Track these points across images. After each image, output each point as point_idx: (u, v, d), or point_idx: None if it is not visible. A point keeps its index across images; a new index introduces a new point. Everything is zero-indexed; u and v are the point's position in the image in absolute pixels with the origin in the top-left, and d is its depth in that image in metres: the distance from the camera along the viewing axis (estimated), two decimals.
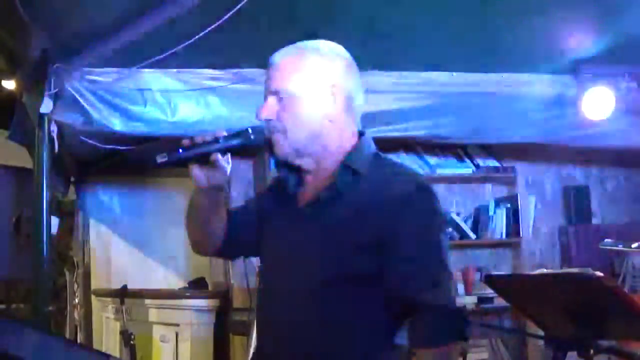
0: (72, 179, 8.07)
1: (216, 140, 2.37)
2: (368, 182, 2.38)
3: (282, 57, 2.45)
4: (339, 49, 2.50)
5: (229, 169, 2.43)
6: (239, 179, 6.71)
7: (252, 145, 2.39)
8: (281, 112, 2.39)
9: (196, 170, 2.43)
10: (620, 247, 4.24)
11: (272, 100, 2.41)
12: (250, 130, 2.38)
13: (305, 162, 2.46)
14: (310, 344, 2.35)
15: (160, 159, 2.35)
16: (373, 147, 2.51)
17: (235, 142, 2.38)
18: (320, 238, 2.38)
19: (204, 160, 2.38)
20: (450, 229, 6.78)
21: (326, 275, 2.33)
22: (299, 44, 2.48)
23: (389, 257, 2.29)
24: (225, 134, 2.39)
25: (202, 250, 2.79)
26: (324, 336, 2.33)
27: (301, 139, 2.41)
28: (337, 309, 2.32)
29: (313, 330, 2.34)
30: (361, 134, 2.51)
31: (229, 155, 2.41)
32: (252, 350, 4.36)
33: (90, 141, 5.68)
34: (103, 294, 7.42)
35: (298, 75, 2.40)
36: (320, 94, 2.41)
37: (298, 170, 2.50)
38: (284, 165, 2.49)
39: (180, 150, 2.36)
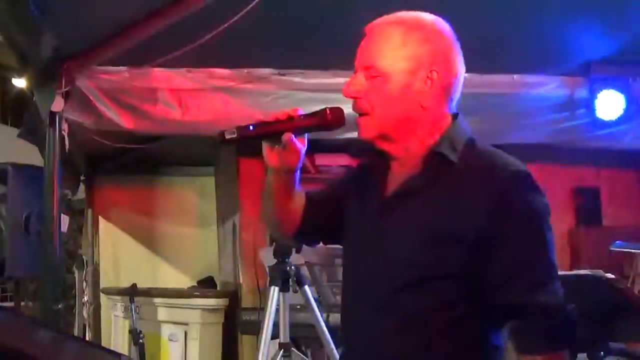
0: (82, 177, 8.09)
1: (290, 119, 2.20)
2: (462, 171, 2.15)
3: (381, 29, 2.22)
4: (444, 25, 2.24)
5: (303, 150, 2.26)
6: (249, 179, 6.70)
7: (329, 126, 2.21)
8: (370, 90, 2.18)
9: (268, 150, 2.26)
10: (630, 250, 4.23)
11: (361, 76, 2.19)
12: (328, 111, 2.20)
13: (392, 148, 2.23)
14: (398, 348, 2.15)
15: (229, 134, 2.20)
16: (468, 132, 2.25)
17: (310, 122, 2.21)
18: (403, 232, 2.17)
19: (277, 139, 2.21)
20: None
21: (406, 275, 2.13)
22: (402, 14, 2.24)
23: (491, 255, 2.08)
24: (302, 113, 2.22)
25: (278, 234, 2.62)
26: (412, 342, 2.14)
27: (389, 124, 2.19)
28: (425, 310, 2.12)
29: (402, 335, 2.15)
30: (454, 116, 2.26)
31: (305, 136, 2.25)
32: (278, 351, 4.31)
33: (101, 139, 5.69)
34: (112, 292, 7.42)
35: (395, 53, 2.17)
36: (417, 77, 2.16)
37: (384, 156, 2.27)
38: (370, 149, 2.27)
39: (251, 128, 2.20)
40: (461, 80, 2.25)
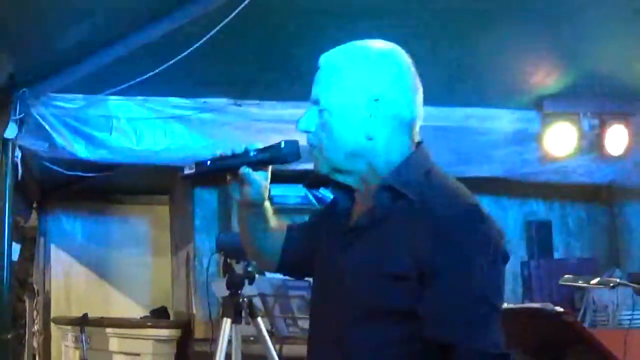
0: (35, 204, 8.02)
1: (247, 152, 2.20)
2: (412, 205, 2.05)
3: (327, 61, 2.16)
4: (393, 52, 2.14)
5: (265, 183, 2.25)
6: (203, 209, 6.70)
7: (284, 159, 2.21)
8: (319, 125, 2.13)
9: (231, 184, 2.27)
10: (580, 283, 4.27)
11: (311, 110, 2.15)
12: (282, 144, 2.20)
13: (348, 180, 2.16)
14: None
15: (188, 170, 2.23)
16: (428, 162, 2.15)
17: (265, 155, 2.21)
18: (355, 267, 2.11)
19: (234, 173, 2.22)
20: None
21: (357, 309, 2.08)
22: (352, 44, 2.17)
23: (425, 292, 1.99)
24: (259, 146, 2.21)
25: (261, 267, 2.62)
26: None
27: (337, 158, 2.12)
28: (375, 346, 2.06)
29: None
30: (417, 145, 2.16)
31: (269, 169, 2.24)
32: None
33: (54, 167, 5.66)
34: (63, 321, 7.35)
35: (338, 85, 2.11)
36: (360, 108, 2.09)
37: (348, 188, 2.20)
38: (327, 181, 2.22)
39: (209, 162, 2.22)
40: (418, 107, 2.14)
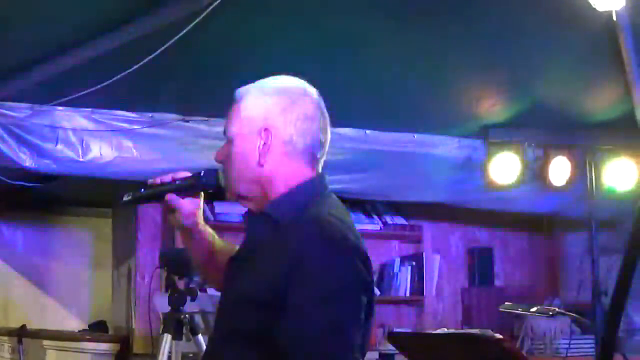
0: None
1: (173, 181, 2.37)
2: (280, 232, 2.16)
3: (235, 95, 2.29)
4: (290, 85, 2.29)
5: (194, 209, 2.38)
6: (147, 223, 6.66)
7: (203, 186, 2.37)
8: (226, 155, 2.27)
9: (165, 210, 2.43)
10: (520, 311, 4.33)
11: (225, 141, 2.29)
12: (202, 173, 2.36)
13: (252, 206, 2.27)
14: None
15: (126, 197, 2.42)
16: (313, 193, 2.24)
17: (186, 183, 2.37)
18: (227, 294, 2.27)
19: (163, 200, 2.38)
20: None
21: (221, 333, 2.22)
22: (259, 81, 2.32)
23: (277, 320, 2.03)
24: (188, 174, 2.37)
25: (214, 285, 2.67)
26: None
27: (239, 185, 2.24)
28: None
29: None
30: (317, 175, 2.27)
31: (200, 196, 2.39)
32: None
33: None
34: (0, 332, 7.24)
35: (236, 117, 2.25)
36: (252, 137, 2.21)
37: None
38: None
39: (142, 190, 2.42)
40: (314, 137, 2.24)
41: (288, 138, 2.20)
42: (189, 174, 2.38)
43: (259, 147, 2.20)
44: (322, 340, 2.01)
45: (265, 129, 2.20)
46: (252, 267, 2.17)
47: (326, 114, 2.28)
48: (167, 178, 2.37)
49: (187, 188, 2.37)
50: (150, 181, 2.40)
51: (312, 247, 2.07)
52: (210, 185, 2.35)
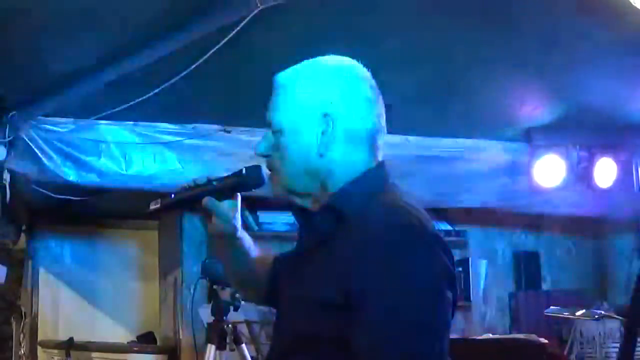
0: (24, 227, 8.00)
1: (210, 182, 2.12)
2: (351, 228, 1.92)
3: (278, 81, 2.07)
4: (343, 66, 2.07)
5: (233, 212, 2.15)
6: (192, 234, 6.69)
7: (247, 185, 2.11)
8: (274, 147, 2.03)
9: (206, 218, 2.17)
10: (565, 315, 4.28)
11: (268, 133, 2.05)
12: (244, 170, 2.11)
13: (305, 202, 2.05)
14: None
15: (154, 205, 2.16)
16: (380, 182, 2.02)
17: (227, 183, 2.12)
18: (292, 296, 2.03)
19: (198, 204, 2.12)
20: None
21: (289, 340, 1.98)
22: (305, 62, 2.09)
23: (354, 322, 1.81)
24: (225, 175, 2.12)
25: (248, 299, 2.51)
26: None
27: (291, 179, 2.02)
28: None
29: None
30: (378, 164, 2.05)
31: (238, 198, 2.15)
32: None
33: (43, 190, 5.65)
34: (49, 345, 7.30)
35: (287, 104, 2.02)
36: (310, 125, 1.99)
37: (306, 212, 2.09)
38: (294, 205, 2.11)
39: (172, 195, 2.14)
40: (375, 120, 2.03)
41: (350, 124, 1.99)
42: (225, 175, 2.13)
43: (318, 135, 1.98)
44: (406, 342, 1.77)
45: (325, 115, 1.98)
46: (317, 265, 1.96)
47: (381, 98, 2.06)
48: (202, 179, 2.14)
49: (227, 189, 2.13)
50: (182, 185, 2.15)
51: (385, 236, 1.84)
52: (256, 182, 2.11)
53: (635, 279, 1.53)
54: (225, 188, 2.13)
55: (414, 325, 1.78)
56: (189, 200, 2.15)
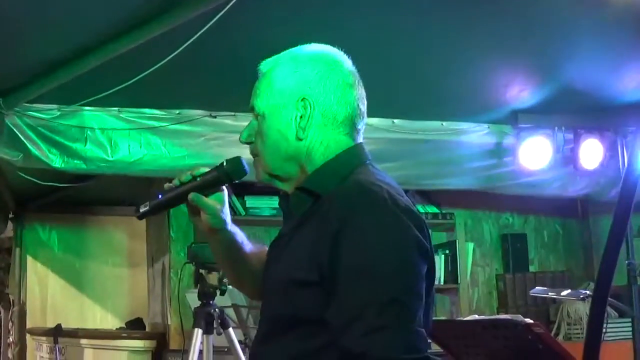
0: (11, 214, 7.99)
1: (194, 178, 2.14)
2: (324, 206, 1.94)
3: (261, 69, 2.12)
4: (322, 52, 2.11)
5: (220, 206, 2.15)
6: (179, 220, 6.68)
7: (229, 176, 2.14)
8: (257, 132, 2.08)
9: (190, 214, 2.18)
10: (550, 295, 4.30)
11: (252, 120, 2.10)
12: (225, 162, 2.14)
13: (287, 187, 2.09)
14: None
15: (143, 208, 2.18)
16: (354, 161, 2.05)
17: (210, 177, 2.14)
18: (272, 279, 2.05)
19: (185, 201, 2.14)
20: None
21: (270, 322, 2.02)
22: (288, 50, 2.13)
23: (329, 296, 1.84)
24: (206, 169, 2.15)
25: (245, 293, 2.51)
26: None
27: (273, 164, 2.06)
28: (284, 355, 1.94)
29: None
30: (355, 146, 2.08)
31: (224, 191, 2.16)
32: None
33: (29, 177, 5.64)
34: (37, 332, 7.31)
35: (267, 90, 2.06)
36: (289, 109, 2.03)
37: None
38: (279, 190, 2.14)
39: (160, 196, 2.17)
40: (353, 104, 2.06)
41: (328, 108, 2.03)
42: (207, 169, 2.16)
43: (296, 119, 2.03)
44: (380, 313, 1.77)
45: (303, 99, 2.03)
46: (293, 246, 1.99)
47: (361, 83, 2.10)
48: (185, 175, 2.15)
49: (210, 183, 2.15)
50: (167, 185, 2.17)
51: (354, 208, 1.87)
52: (237, 174, 2.14)
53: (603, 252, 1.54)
54: (207, 182, 2.15)
55: (387, 296, 1.79)
56: (177, 198, 2.17)
